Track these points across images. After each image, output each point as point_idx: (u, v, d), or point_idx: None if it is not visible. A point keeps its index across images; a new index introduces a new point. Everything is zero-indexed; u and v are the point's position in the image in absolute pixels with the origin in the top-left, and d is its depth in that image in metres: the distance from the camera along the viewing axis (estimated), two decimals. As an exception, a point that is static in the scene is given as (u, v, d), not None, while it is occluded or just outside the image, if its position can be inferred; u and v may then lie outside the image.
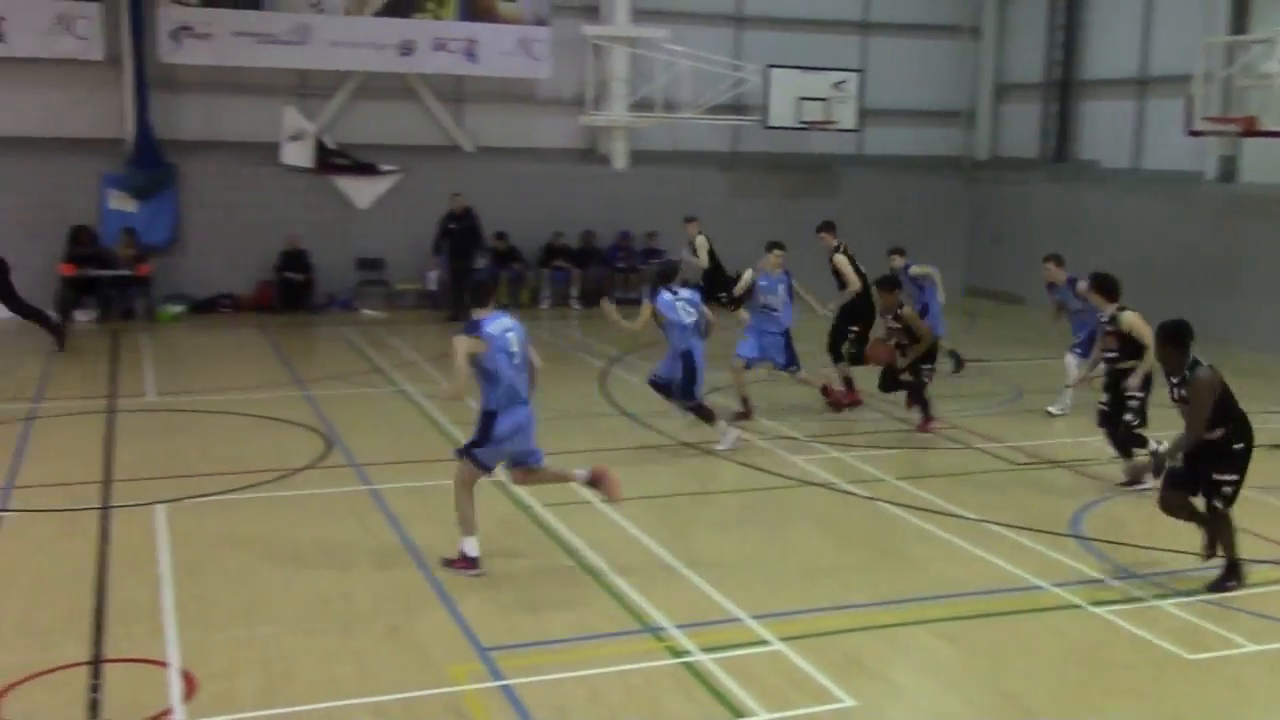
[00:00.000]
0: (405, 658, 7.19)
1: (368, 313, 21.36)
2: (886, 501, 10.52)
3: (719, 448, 12.12)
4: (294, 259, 21.36)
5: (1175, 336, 8.36)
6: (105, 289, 20.25)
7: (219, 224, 21.26)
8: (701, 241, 19.41)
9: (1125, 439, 10.87)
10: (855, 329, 14.31)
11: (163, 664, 7.01)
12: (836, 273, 14.43)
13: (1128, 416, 10.72)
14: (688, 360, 11.93)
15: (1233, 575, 8.45)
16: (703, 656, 7.24)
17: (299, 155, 21.68)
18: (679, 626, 7.67)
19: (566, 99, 23.39)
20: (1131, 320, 10.59)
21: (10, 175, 20.18)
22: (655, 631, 7.64)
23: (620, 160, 23.65)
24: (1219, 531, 8.43)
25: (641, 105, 23.24)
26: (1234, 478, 8.29)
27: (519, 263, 22.67)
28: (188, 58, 20.83)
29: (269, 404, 13.89)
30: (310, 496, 10.49)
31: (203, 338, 18.73)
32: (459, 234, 21.10)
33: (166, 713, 6.42)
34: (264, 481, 10.80)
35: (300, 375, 15.80)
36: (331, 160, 21.80)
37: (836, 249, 14.62)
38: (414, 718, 6.43)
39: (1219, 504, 8.33)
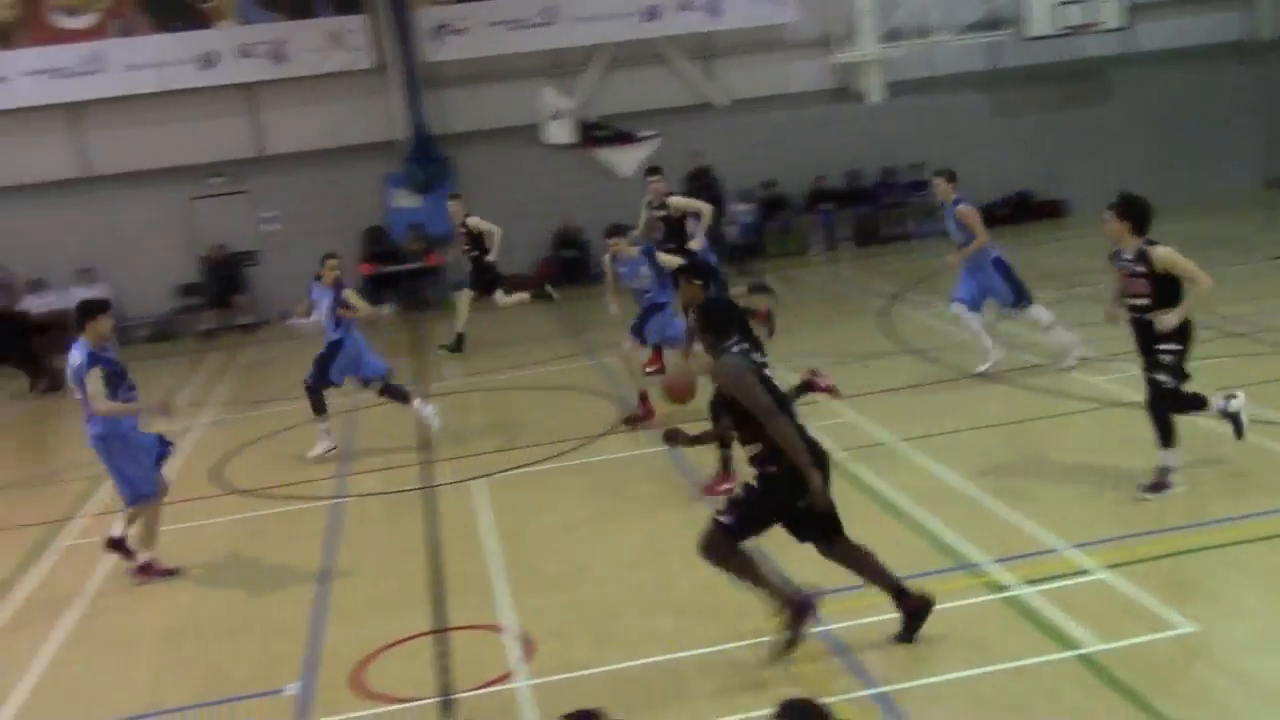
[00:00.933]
0: (722, 611, 7.36)
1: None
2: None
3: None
4: (569, 236, 22.06)
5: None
6: (401, 282, 21.50)
7: (495, 209, 21.99)
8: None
9: (1166, 406, 8.32)
10: None
11: (500, 629, 7.46)
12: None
13: (1160, 376, 8.20)
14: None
15: None
16: (1025, 590, 7.10)
17: (561, 133, 22.33)
18: (996, 561, 7.55)
19: (814, 40, 23.11)
20: (1167, 256, 8.17)
21: (302, 187, 21.71)
22: (970, 568, 7.55)
23: (876, 94, 23.19)
24: None
25: (891, 35, 22.69)
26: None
27: (785, 210, 22.63)
28: (449, 53, 21.81)
29: (564, 375, 14.43)
30: (613, 461, 10.86)
31: (494, 319, 19.59)
32: (695, 193, 21.07)
33: (508, 674, 6.83)
34: (569, 450, 11.26)
35: (589, 345, 16.33)
36: (592, 134, 22.36)
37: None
38: (738, 666, 6.59)
39: None
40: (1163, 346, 8.15)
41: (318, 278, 12.10)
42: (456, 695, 6.56)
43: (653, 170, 15.29)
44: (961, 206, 12.15)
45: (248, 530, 10.15)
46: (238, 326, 21.27)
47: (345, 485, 11.04)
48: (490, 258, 16.67)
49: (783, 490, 6.41)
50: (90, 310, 8.77)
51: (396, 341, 18.54)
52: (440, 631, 7.48)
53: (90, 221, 21.35)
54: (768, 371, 6.60)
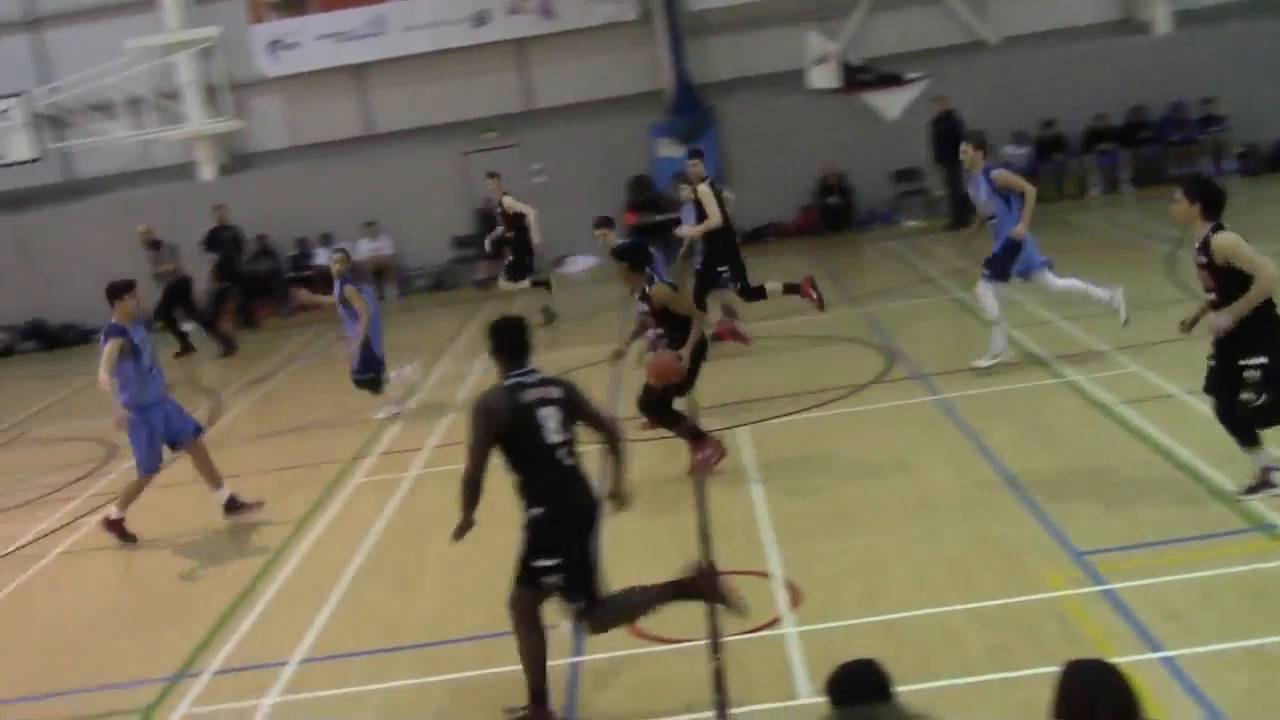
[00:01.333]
0: (997, 562, 7.18)
1: (909, 224, 21.35)
2: None
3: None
4: (832, 184, 21.76)
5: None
6: (665, 231, 21.71)
7: (758, 156, 22.05)
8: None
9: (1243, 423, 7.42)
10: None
11: (766, 575, 7.49)
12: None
13: (1246, 395, 7.17)
14: None
15: None
16: (1329, 554, 6.62)
17: (825, 78, 21.99)
18: (1297, 522, 7.05)
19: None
20: (1226, 244, 7.19)
21: (569, 139, 22.21)
22: (1269, 529, 7.07)
23: (1163, 25, 21.76)
24: None
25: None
26: None
27: (1060, 152, 21.60)
28: (713, 0, 21.76)
29: (828, 324, 14.29)
30: (880, 410, 10.71)
31: (755, 267, 19.58)
32: (940, 138, 20.28)
33: (776, 621, 6.86)
34: (835, 399, 11.17)
35: (853, 293, 16.12)
36: (857, 77, 21.90)
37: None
38: (1013, 622, 6.40)
39: None
40: (1246, 361, 7.11)
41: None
42: (725, 638, 6.64)
43: (695, 153, 14.75)
44: (997, 173, 11.16)
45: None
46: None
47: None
48: (535, 240, 16.88)
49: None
50: (119, 291, 9.76)
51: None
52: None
53: (373, 177, 22.53)
54: (550, 406, 5.97)
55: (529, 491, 5.96)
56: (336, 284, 12.83)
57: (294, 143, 23.18)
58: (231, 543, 9.82)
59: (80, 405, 16.50)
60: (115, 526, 9.92)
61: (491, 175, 17.71)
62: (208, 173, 22.85)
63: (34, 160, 22.17)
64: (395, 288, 22.53)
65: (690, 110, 21.98)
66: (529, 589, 6.01)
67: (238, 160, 23.31)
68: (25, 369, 21.15)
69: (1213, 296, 7.30)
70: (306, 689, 6.95)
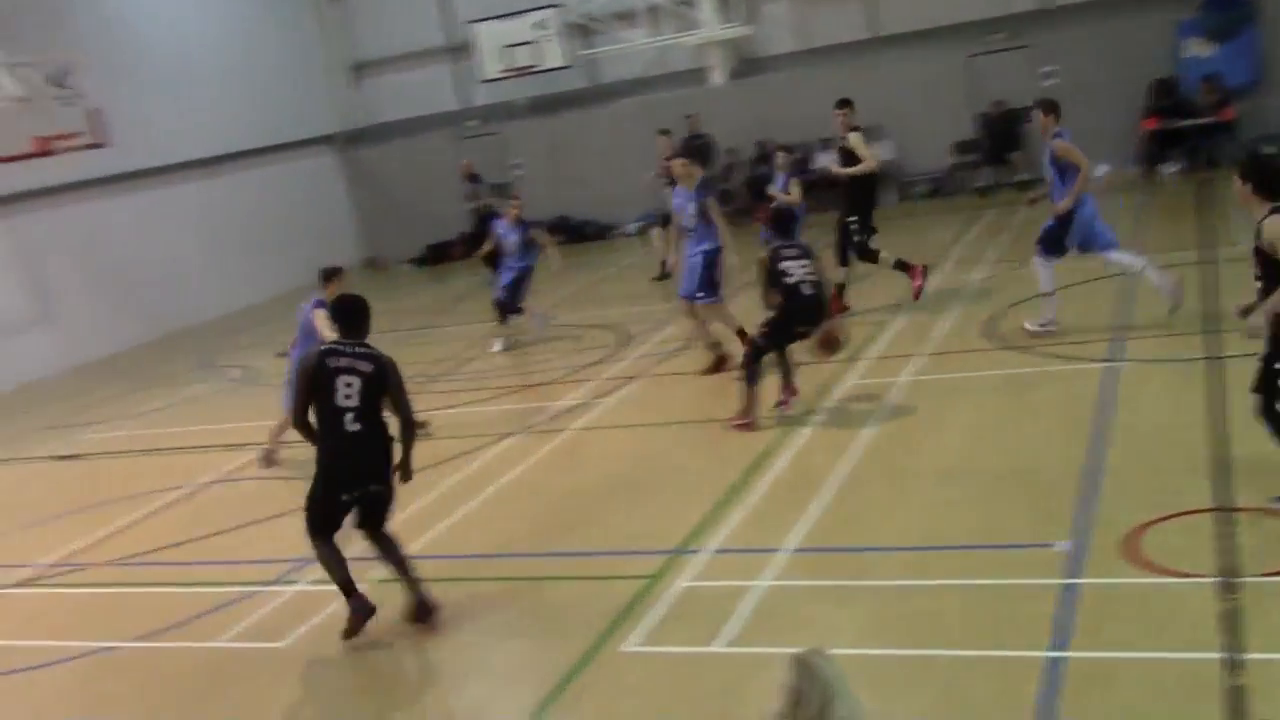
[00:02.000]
0: None
1: None
2: None
3: None
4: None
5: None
6: (1189, 139, 20.03)
7: None
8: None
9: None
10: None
11: (1290, 516, 6.86)
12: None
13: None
14: None
15: None
16: None
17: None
18: None
19: None
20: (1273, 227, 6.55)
21: (1084, 39, 20.89)
22: None
23: None
24: None
25: None
26: None
27: None
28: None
29: None
30: None
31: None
32: None
33: (1297, 566, 6.29)
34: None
35: None
36: None
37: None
38: None
39: None
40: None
41: None
42: (1240, 579, 6.17)
43: (842, 103, 13.99)
44: (1056, 141, 11.09)
45: (1019, 385, 10.25)
46: (1013, 184, 21.21)
47: (1122, 349, 10.68)
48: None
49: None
50: (330, 275, 10.56)
51: (1183, 202, 17.41)
52: (1224, 510, 7.05)
53: (876, 81, 22.31)
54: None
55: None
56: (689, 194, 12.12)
57: (801, 47, 23.44)
58: (737, 433, 10.27)
59: (597, 295, 17.87)
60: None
61: (663, 132, 17.64)
62: (718, 77, 23.65)
63: (565, 67, 23.94)
64: (894, 194, 22.37)
65: (1225, 5, 19.92)
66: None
67: (746, 65, 23.92)
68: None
69: (1258, 284, 6.74)
70: (796, 577, 7.22)
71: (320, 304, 10.54)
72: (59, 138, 16.00)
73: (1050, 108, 11.42)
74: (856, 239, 13.62)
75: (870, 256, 13.65)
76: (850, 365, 11.52)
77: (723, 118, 23.09)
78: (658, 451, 10.22)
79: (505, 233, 14.98)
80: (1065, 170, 11.13)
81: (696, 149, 13.78)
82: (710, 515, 8.34)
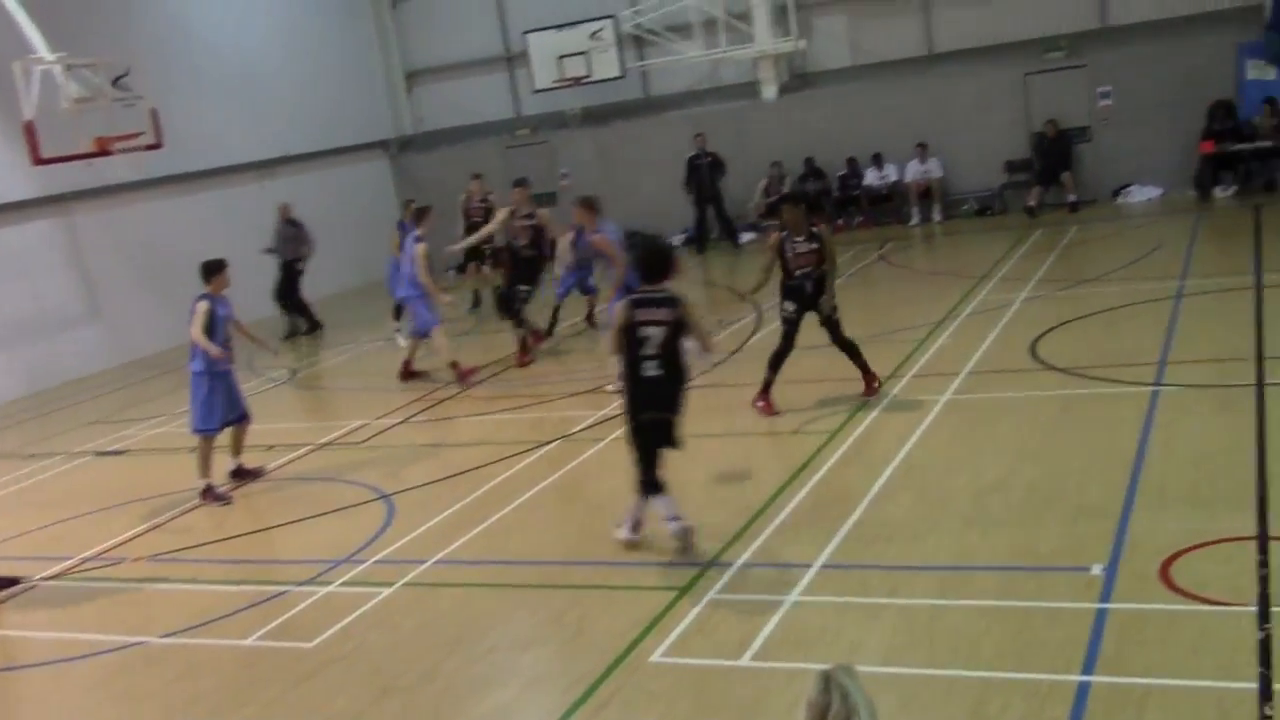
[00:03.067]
0: None
1: None
2: None
3: None
4: None
5: None
6: (1245, 162, 19.75)
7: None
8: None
9: None
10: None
11: (1335, 547, 6.72)
12: None
13: None
14: None
15: None
16: None
17: None
18: None
19: None
20: None
21: (1143, 59, 20.67)
22: None
23: None
24: None
25: None
26: None
27: None
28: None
29: None
30: None
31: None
32: None
33: (1343, 598, 6.15)
34: None
35: None
36: None
37: None
38: None
39: None
40: None
41: None
42: (1277, 608, 6.05)
43: (519, 182, 16.18)
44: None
45: (1060, 407, 10.13)
46: (1065, 204, 21.01)
47: (1165, 373, 10.53)
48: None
49: None
50: (212, 268, 10.97)
51: (1239, 226, 17.15)
52: (1265, 539, 6.91)
53: (928, 98, 22.24)
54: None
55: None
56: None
57: (853, 62, 23.36)
58: (771, 447, 10.22)
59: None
60: None
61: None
62: (769, 91, 23.61)
63: (618, 78, 24.00)
64: (939, 210, 22.22)
65: (1287, 29, 19.64)
66: None
67: (797, 79, 23.88)
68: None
69: None
70: (826, 593, 7.16)
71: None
72: (119, 138, 16.22)
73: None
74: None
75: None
76: (892, 382, 11.43)
77: (772, 132, 23.10)
78: (692, 463, 10.18)
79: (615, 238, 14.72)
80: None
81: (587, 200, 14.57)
82: (743, 528, 8.30)
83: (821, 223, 11.50)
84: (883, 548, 7.71)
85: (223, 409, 11.07)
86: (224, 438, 11.26)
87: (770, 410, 11.00)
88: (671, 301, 7.94)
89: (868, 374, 11.08)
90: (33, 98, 15.27)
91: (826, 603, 7.04)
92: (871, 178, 22.61)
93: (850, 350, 11.05)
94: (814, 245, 10.79)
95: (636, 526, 8.28)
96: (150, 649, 7.82)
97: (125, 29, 19.78)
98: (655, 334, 7.89)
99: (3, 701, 7.50)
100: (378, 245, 25.32)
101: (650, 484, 8.08)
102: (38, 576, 9.54)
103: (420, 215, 14.40)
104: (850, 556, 7.62)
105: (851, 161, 22.82)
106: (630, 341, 7.94)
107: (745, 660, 6.42)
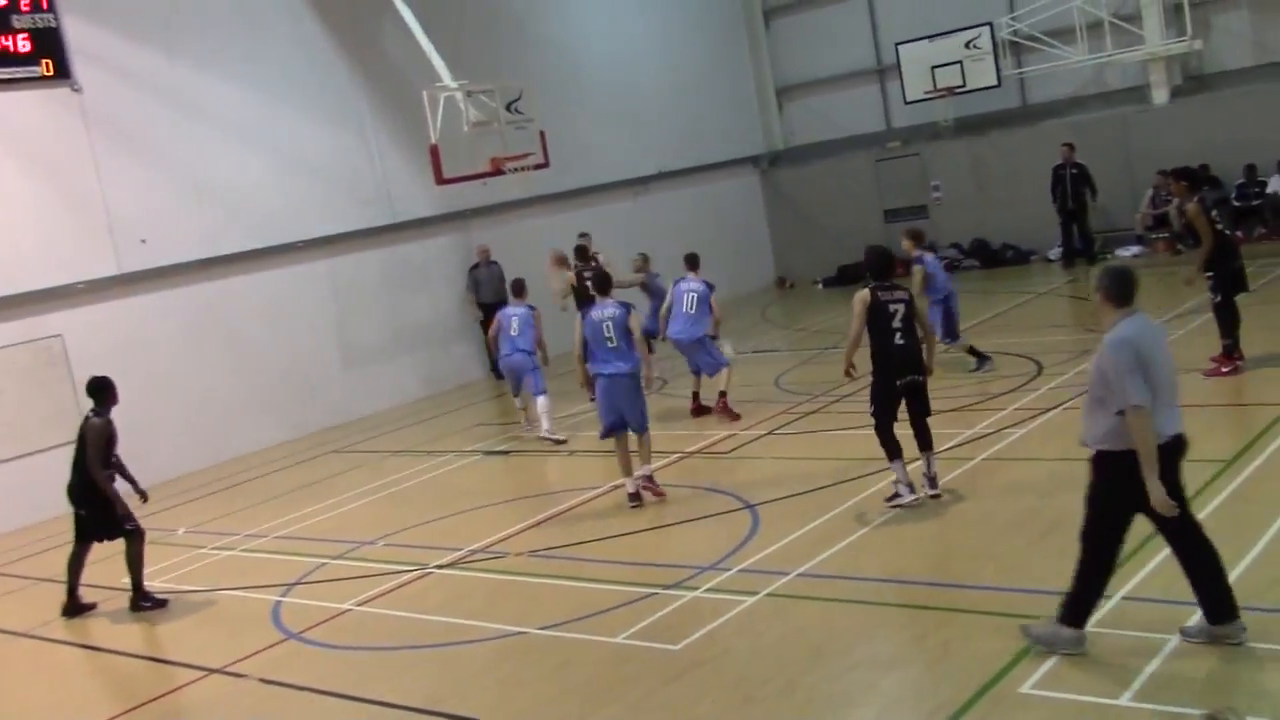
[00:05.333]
0: None
1: None
2: None
3: None
4: None
5: None
6: None
7: None
8: None
9: None
10: None
11: None
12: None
13: None
14: None
15: None
16: None
17: None
18: None
19: None
20: None
21: None
22: None
23: None
24: None
25: None
26: None
27: None
28: None
29: None
30: None
31: None
32: None
33: None
34: None
35: None
36: None
37: None
38: None
39: None
40: None
41: None
42: None
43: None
44: None
45: None
46: None
47: None
48: None
49: None
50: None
51: None
52: None
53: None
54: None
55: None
56: None
57: (1258, 61, 21.54)
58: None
59: (1016, 321, 17.22)
60: None
61: None
62: (1160, 95, 22.17)
63: (993, 87, 23.27)
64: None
65: None
66: None
67: (1191, 81, 22.30)
68: (966, 284, 22.52)
69: None
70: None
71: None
72: (511, 158, 17.31)
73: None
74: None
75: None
76: (1298, 409, 10.46)
77: (1159, 139, 21.69)
78: (1063, 488, 9.68)
79: (934, 268, 14.47)
80: None
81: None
82: (1128, 559, 7.79)
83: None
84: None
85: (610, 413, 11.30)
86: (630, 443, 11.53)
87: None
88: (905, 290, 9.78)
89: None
90: (437, 122, 16.58)
91: (1223, 646, 6.49)
92: (1275, 185, 20.76)
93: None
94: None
95: (912, 486, 9.60)
96: (530, 639, 8.27)
97: (519, 57, 21.08)
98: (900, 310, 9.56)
99: (408, 675, 8.14)
100: (748, 260, 25.87)
101: (895, 446, 9.59)
102: (433, 564, 10.32)
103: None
104: (1255, 597, 6.97)
105: (1250, 169, 21.05)
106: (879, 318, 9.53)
107: (1125, 700, 6.04)
